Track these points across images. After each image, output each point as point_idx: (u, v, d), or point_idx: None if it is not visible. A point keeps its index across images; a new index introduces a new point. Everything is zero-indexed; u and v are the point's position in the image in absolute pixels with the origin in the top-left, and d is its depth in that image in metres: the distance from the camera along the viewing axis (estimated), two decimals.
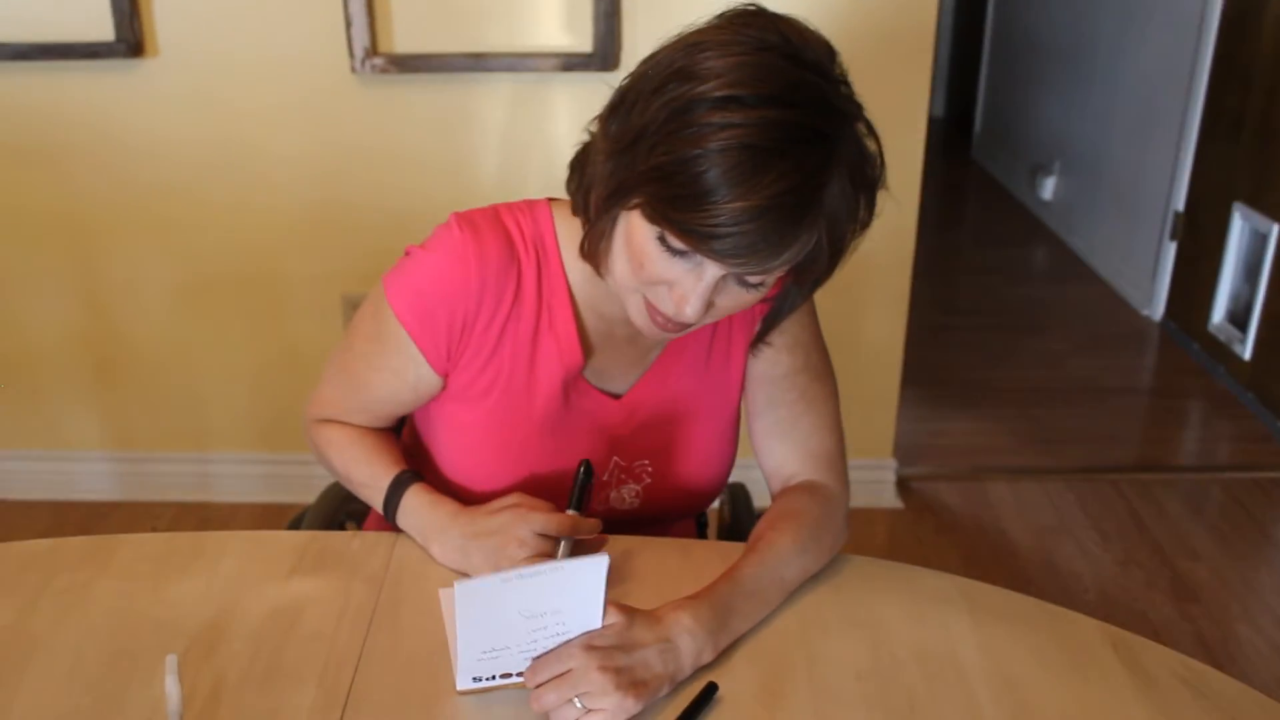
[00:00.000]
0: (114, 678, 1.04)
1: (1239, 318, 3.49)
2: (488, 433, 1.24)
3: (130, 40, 2.33)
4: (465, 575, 1.15)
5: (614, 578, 1.17)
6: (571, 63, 2.38)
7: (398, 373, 1.23)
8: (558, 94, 2.40)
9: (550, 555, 1.12)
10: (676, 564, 1.21)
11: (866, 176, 1.05)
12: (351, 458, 1.27)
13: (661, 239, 1.02)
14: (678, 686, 1.03)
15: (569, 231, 1.20)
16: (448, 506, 1.17)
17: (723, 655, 1.07)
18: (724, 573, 1.12)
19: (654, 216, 1.01)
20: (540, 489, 1.22)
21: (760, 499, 1.42)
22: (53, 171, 2.42)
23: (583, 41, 2.39)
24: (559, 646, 1.01)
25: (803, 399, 1.26)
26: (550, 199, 1.25)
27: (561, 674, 0.99)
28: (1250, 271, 3.43)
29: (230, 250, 2.51)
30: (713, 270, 1.02)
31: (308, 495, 1.58)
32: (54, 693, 1.03)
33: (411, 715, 1.00)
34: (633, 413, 1.26)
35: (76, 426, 2.66)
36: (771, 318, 1.22)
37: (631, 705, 0.97)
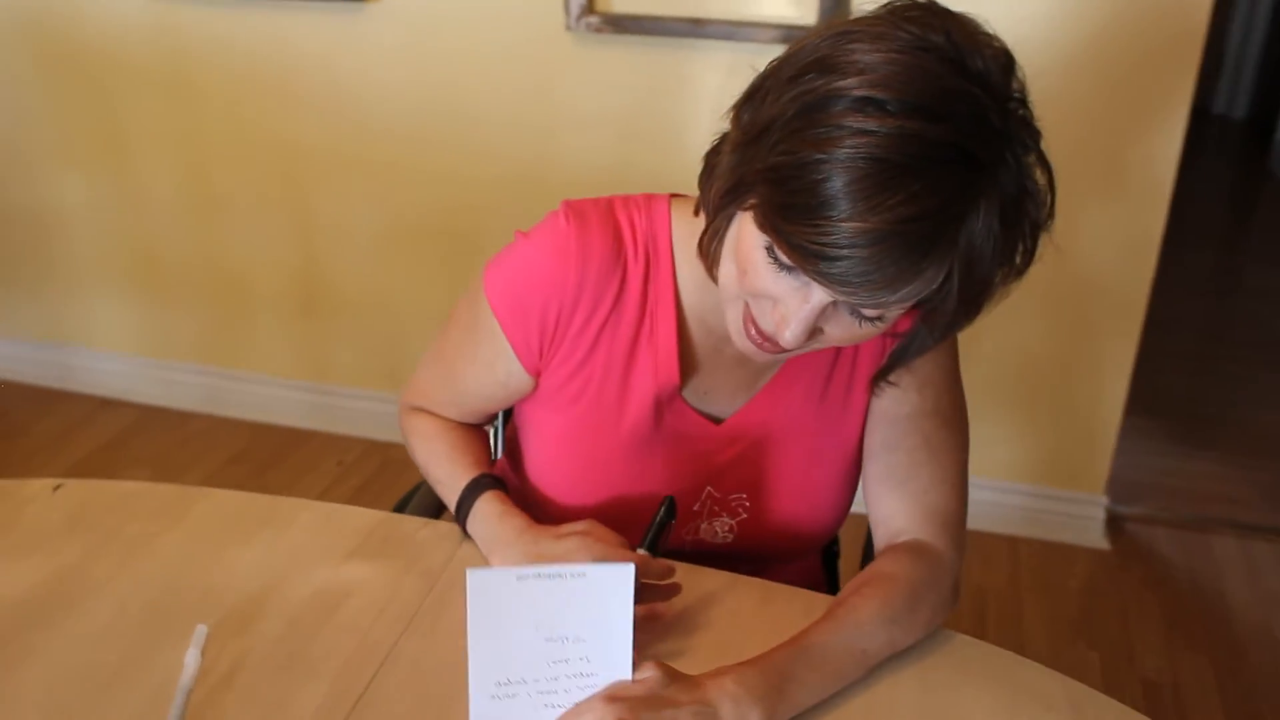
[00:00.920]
0: (145, 639, 1.02)
1: None
2: (572, 444, 1.15)
3: None
4: None
5: (675, 620, 1.06)
6: (794, 35, 2.24)
7: (489, 366, 1.15)
8: None
9: None
10: (751, 610, 1.08)
11: (1024, 215, 0.90)
12: (433, 452, 1.20)
13: (770, 250, 0.89)
14: None
15: (687, 233, 1.09)
16: (516, 521, 1.09)
17: None
18: (793, 637, 0.98)
19: (763, 223, 0.89)
20: (622, 512, 1.12)
21: None
22: (277, 106, 2.48)
23: (807, 13, 2.23)
24: (582, 702, 0.91)
25: (925, 446, 1.10)
26: (674, 195, 1.13)
27: None
28: None
29: (435, 199, 2.51)
30: (820, 294, 0.89)
31: None
32: (86, 644, 1.01)
33: None
34: (733, 440, 1.14)
35: (278, 353, 2.76)
36: (897, 356, 1.07)
37: None
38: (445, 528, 1.19)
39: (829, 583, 1.39)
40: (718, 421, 1.14)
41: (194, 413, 2.84)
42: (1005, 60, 0.89)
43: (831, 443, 1.14)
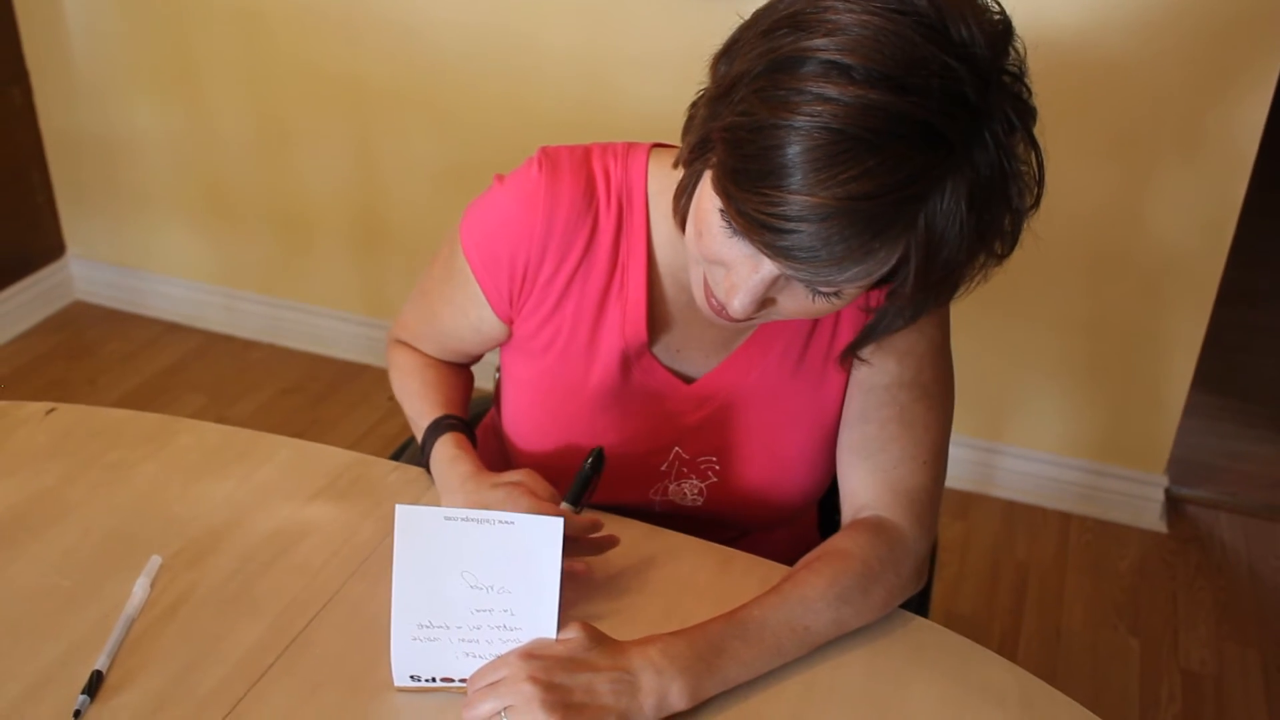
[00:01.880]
0: (102, 565, 1.03)
1: None
2: (539, 394, 1.13)
3: None
4: None
5: (626, 576, 1.04)
6: None
7: (462, 309, 1.14)
8: None
9: None
10: (706, 577, 1.06)
11: (1000, 199, 0.84)
12: (406, 388, 1.20)
13: (723, 214, 0.85)
14: None
15: (663, 185, 1.05)
16: (464, 467, 1.07)
17: (701, 707, 0.91)
18: (732, 610, 0.95)
19: (717, 186, 0.85)
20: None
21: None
22: (343, 42, 2.48)
23: None
24: (500, 656, 0.90)
25: (899, 419, 1.05)
26: (657, 144, 1.10)
27: (495, 681, 0.88)
28: None
29: (494, 137, 2.50)
30: (770, 265, 0.85)
31: None
32: (45, 567, 1.03)
33: (343, 680, 0.93)
34: (703, 401, 1.11)
35: (338, 286, 2.78)
36: (868, 331, 1.01)
37: None
38: (415, 472, 1.18)
39: None
40: (688, 381, 1.10)
41: (255, 341, 2.89)
42: (999, 30, 0.83)
43: (806, 411, 1.10)
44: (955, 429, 2.46)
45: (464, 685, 0.91)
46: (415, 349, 1.23)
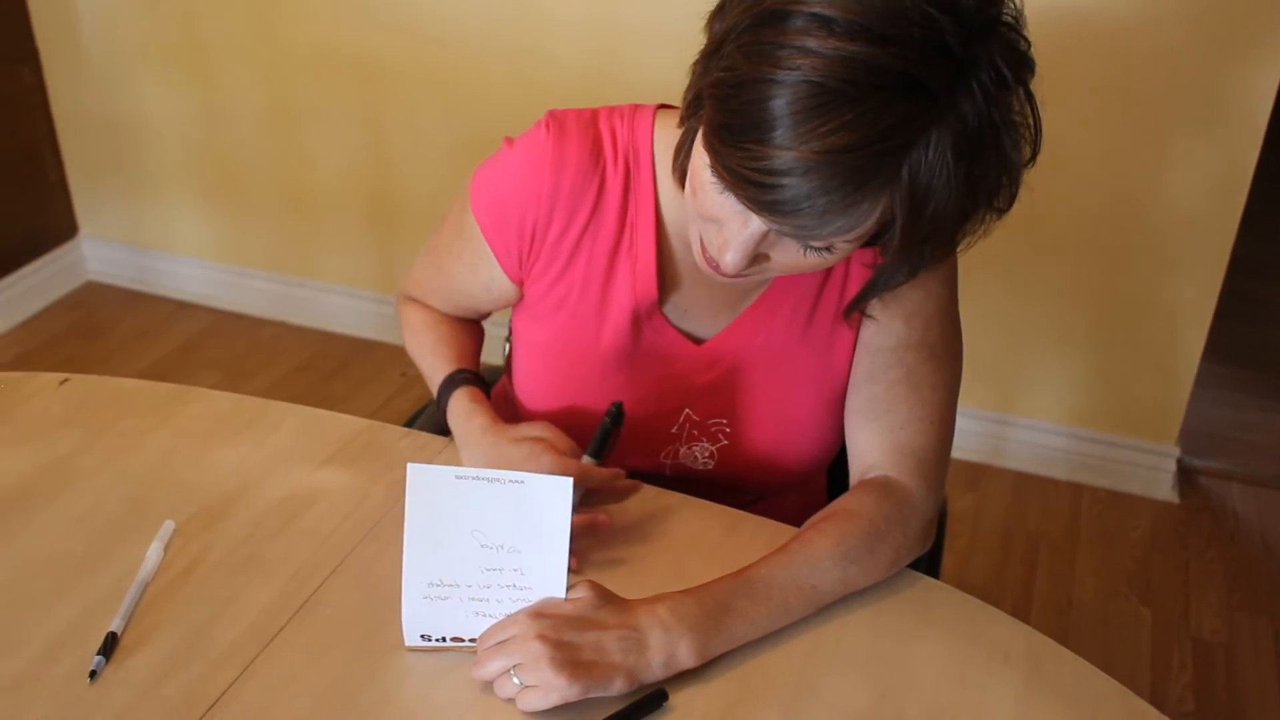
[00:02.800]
0: (115, 531, 1.04)
1: None
2: (551, 355, 1.13)
3: None
4: None
5: (632, 539, 1.04)
6: None
7: (473, 268, 1.15)
8: None
9: None
10: (715, 538, 1.06)
11: (990, 149, 0.83)
12: (420, 344, 1.21)
13: (713, 169, 0.86)
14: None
15: (669, 144, 1.05)
16: (481, 419, 1.08)
17: (710, 665, 0.92)
18: (740, 569, 0.96)
19: (705, 142, 0.85)
20: (596, 427, 1.10)
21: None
22: (351, 19, 2.48)
23: None
24: (510, 615, 0.91)
25: (906, 380, 1.06)
26: (663, 105, 1.10)
27: (504, 640, 0.89)
28: None
29: (502, 112, 2.49)
30: (758, 221, 0.85)
31: None
32: (60, 532, 1.04)
33: (354, 640, 0.94)
34: (714, 362, 1.11)
35: (348, 264, 2.79)
36: (868, 288, 1.02)
37: (565, 686, 0.85)
38: (426, 438, 1.19)
39: None
40: (698, 342, 1.11)
41: (266, 319, 2.90)
42: None
43: (816, 372, 1.11)
44: (966, 401, 2.46)
45: (474, 645, 0.92)
46: (426, 305, 1.24)
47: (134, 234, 2.94)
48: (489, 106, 2.49)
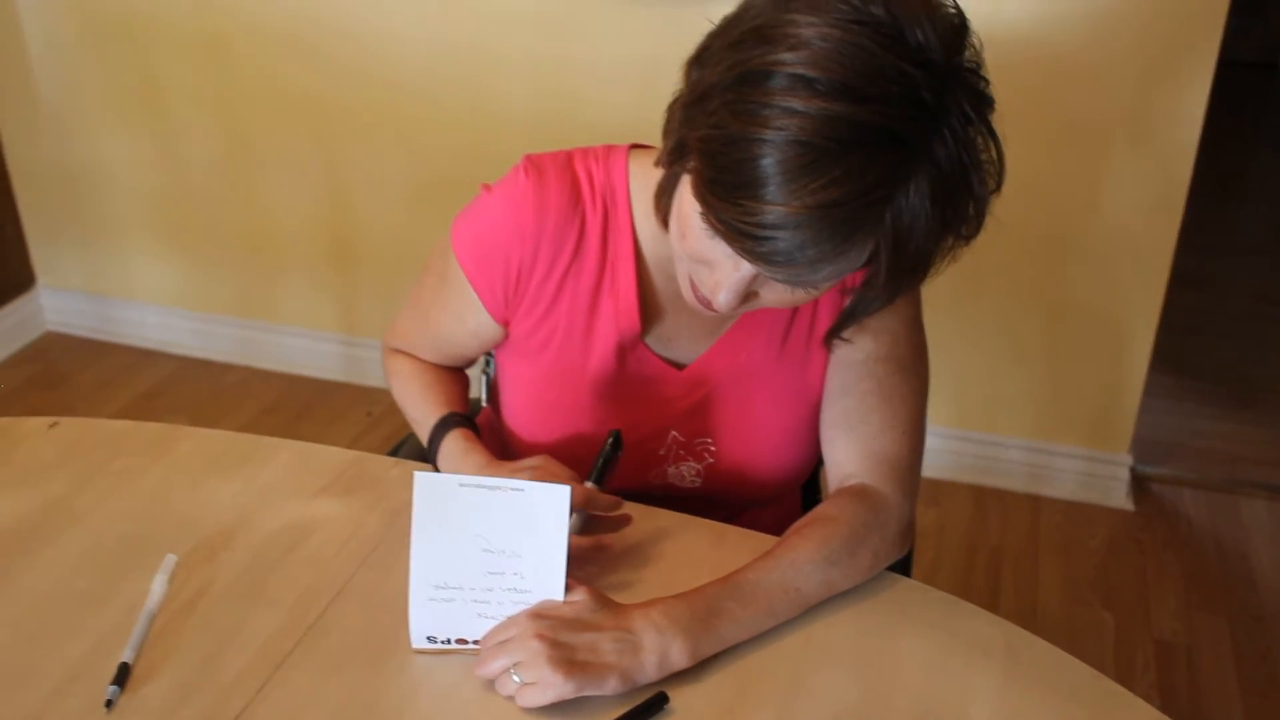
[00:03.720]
0: (118, 566, 1.07)
1: None
2: (540, 390, 1.18)
3: None
4: None
5: (625, 555, 1.09)
6: None
7: (459, 315, 1.18)
8: None
9: None
10: (702, 550, 1.11)
11: (962, 188, 0.89)
12: (408, 392, 1.24)
13: (704, 216, 0.90)
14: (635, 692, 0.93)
15: (644, 184, 1.10)
16: (478, 457, 1.12)
17: (698, 668, 0.96)
18: (727, 574, 1.00)
19: (695, 192, 0.90)
20: (588, 453, 1.14)
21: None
22: (307, 64, 2.52)
23: None
24: (510, 617, 0.95)
25: (878, 391, 1.11)
26: (634, 145, 1.15)
27: (505, 640, 0.93)
28: None
29: (460, 152, 2.54)
30: (749, 266, 0.91)
31: None
32: (62, 571, 1.07)
33: (362, 659, 0.97)
34: (695, 386, 1.16)
35: (311, 306, 2.81)
36: (847, 315, 1.07)
37: (561, 683, 0.89)
38: (414, 466, 1.22)
39: None
40: (680, 367, 1.15)
41: (230, 364, 2.91)
42: (954, 27, 0.88)
43: (794, 390, 1.16)
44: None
45: (478, 648, 0.96)
46: (411, 356, 1.27)
47: (93, 283, 2.94)
48: (446, 148, 2.53)
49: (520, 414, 1.20)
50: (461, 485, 0.95)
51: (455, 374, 1.28)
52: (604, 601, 0.96)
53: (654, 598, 0.98)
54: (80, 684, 0.94)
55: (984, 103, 0.89)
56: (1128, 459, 2.51)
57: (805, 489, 1.40)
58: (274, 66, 2.55)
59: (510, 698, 0.92)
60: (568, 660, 0.90)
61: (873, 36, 0.83)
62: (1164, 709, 2.00)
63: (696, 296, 0.99)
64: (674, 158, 0.96)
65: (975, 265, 2.30)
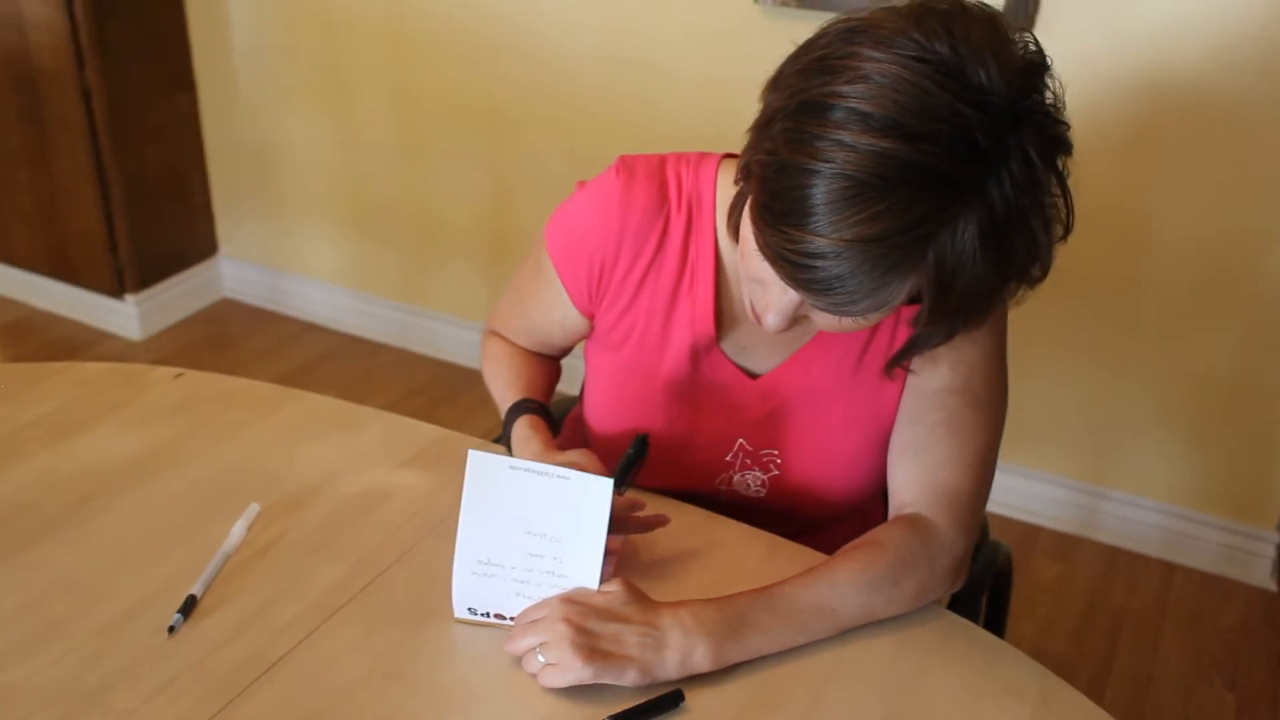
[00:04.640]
0: (208, 509, 1.15)
1: None
2: (616, 383, 1.21)
3: None
4: None
5: (678, 554, 1.11)
6: None
7: (549, 304, 1.23)
8: None
9: None
10: (754, 561, 1.12)
11: (1018, 231, 0.88)
12: (495, 374, 1.30)
13: (755, 238, 0.92)
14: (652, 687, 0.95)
15: (729, 194, 1.12)
16: (536, 445, 1.16)
17: (721, 672, 0.97)
18: (766, 586, 1.01)
19: (749, 214, 0.93)
20: (658, 452, 1.17)
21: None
22: (482, 61, 2.62)
23: None
24: (544, 600, 0.98)
25: (946, 424, 1.10)
26: (726, 155, 1.17)
27: (536, 620, 0.96)
28: None
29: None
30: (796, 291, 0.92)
31: None
32: (159, 506, 1.16)
33: (406, 621, 1.02)
34: (767, 397, 1.17)
35: (466, 295, 2.92)
36: (907, 347, 1.06)
37: (580, 668, 0.92)
38: (497, 449, 1.27)
39: None
40: (754, 377, 1.17)
41: (385, 344, 3.05)
42: (1027, 66, 0.87)
43: (865, 411, 1.16)
44: (1058, 471, 2.45)
45: (513, 624, 1.00)
46: (507, 340, 1.32)
47: (269, 256, 3.12)
48: (609, 158, 2.57)
49: (597, 407, 1.24)
50: (511, 468, 0.99)
51: (544, 362, 1.33)
52: (637, 595, 0.98)
53: (688, 599, 0.99)
54: (151, 608, 1.01)
55: (1054, 146, 0.88)
56: (1275, 535, 2.38)
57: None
58: (453, 67, 2.66)
59: (534, 675, 0.95)
60: (590, 647, 0.93)
61: (932, 75, 0.83)
62: None
63: (753, 313, 1.00)
64: (742, 177, 0.99)
65: (1124, 318, 2.24)
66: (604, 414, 1.23)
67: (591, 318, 1.21)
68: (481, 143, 2.72)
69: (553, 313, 1.23)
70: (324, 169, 2.94)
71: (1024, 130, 0.86)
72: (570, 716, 0.93)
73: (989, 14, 0.88)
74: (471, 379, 2.92)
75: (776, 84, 0.95)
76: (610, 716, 0.92)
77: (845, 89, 0.84)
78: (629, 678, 0.93)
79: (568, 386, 1.35)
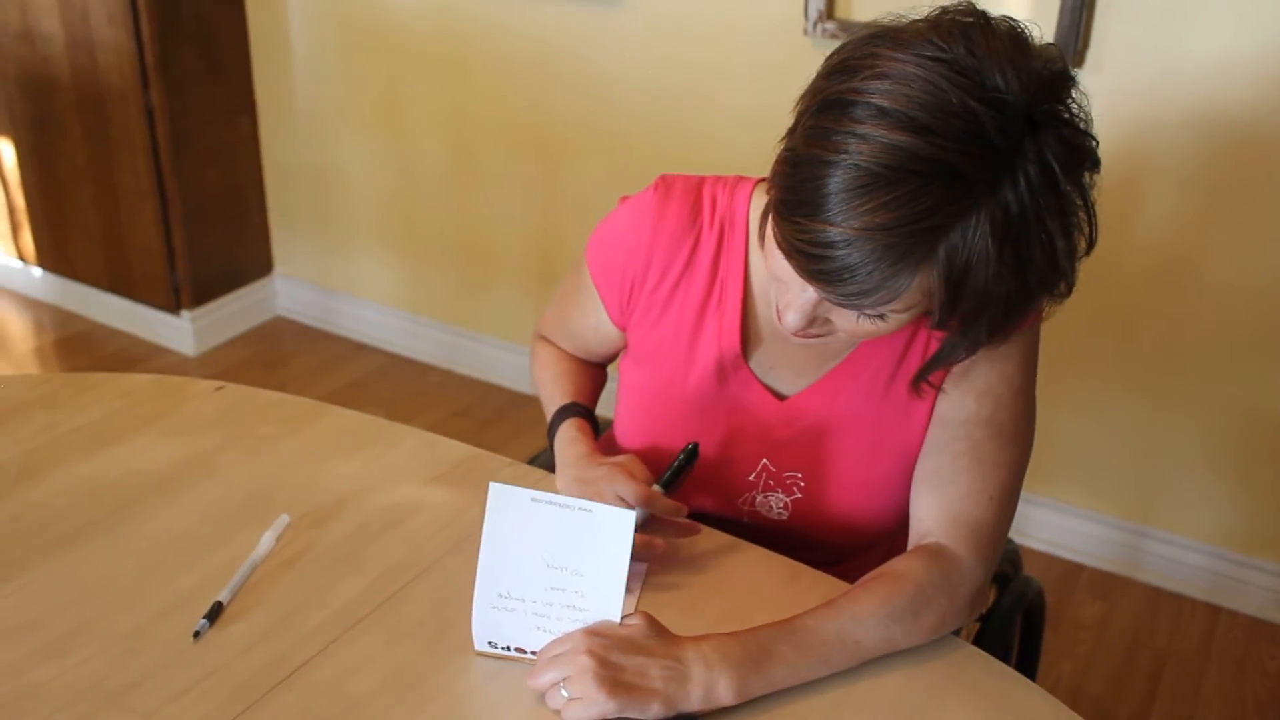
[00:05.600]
0: (238, 518, 1.18)
1: None
2: (645, 396, 1.23)
3: None
4: None
5: (698, 578, 1.11)
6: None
7: (585, 311, 1.27)
8: None
9: None
10: (773, 587, 1.12)
11: (1035, 235, 0.88)
12: (544, 378, 1.34)
13: (773, 233, 0.95)
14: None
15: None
16: (579, 448, 1.18)
17: (745, 705, 0.97)
18: (787, 617, 1.01)
19: (770, 212, 0.94)
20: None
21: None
22: (534, 89, 2.66)
23: (1046, 19, 2.17)
24: (567, 633, 0.99)
25: (970, 454, 1.10)
26: (763, 178, 1.19)
27: (558, 654, 0.97)
28: None
29: None
30: (814, 289, 0.93)
31: None
32: (192, 514, 1.18)
33: (425, 635, 1.03)
34: (793, 418, 1.18)
35: (513, 319, 2.95)
36: (932, 362, 1.06)
37: (604, 701, 0.92)
38: (526, 469, 1.29)
39: None
40: (781, 397, 1.18)
41: (433, 365, 3.09)
42: (1050, 75, 0.88)
43: (892, 438, 1.16)
44: (1102, 508, 2.42)
45: (534, 658, 1.00)
46: (554, 344, 1.36)
47: (322, 276, 3.18)
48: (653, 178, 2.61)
49: (625, 419, 1.26)
50: (533, 500, 1.00)
51: (591, 368, 1.36)
52: (659, 629, 0.99)
53: (711, 628, 1.00)
54: (179, 613, 1.04)
55: (1076, 157, 0.89)
56: None
57: None
58: (505, 94, 2.70)
59: (557, 711, 0.95)
60: (614, 680, 0.93)
61: (946, 73, 0.85)
62: None
63: (778, 315, 1.02)
64: (769, 183, 1.00)
65: (1172, 355, 2.21)
66: (631, 428, 1.25)
67: (624, 330, 1.23)
68: (531, 170, 2.75)
69: (588, 319, 1.27)
70: (378, 192, 2.99)
71: (1042, 135, 0.87)
72: None
73: (1011, 26, 0.90)
74: (517, 402, 2.95)
75: (807, 91, 0.96)
76: None
77: (862, 85, 0.87)
78: (653, 711, 0.93)
79: (603, 410, 1.38)
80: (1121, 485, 2.41)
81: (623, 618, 1.00)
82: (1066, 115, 0.89)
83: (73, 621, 1.03)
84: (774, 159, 1.02)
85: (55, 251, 3.17)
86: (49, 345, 3.14)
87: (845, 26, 2.31)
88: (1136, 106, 2.08)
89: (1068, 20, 2.13)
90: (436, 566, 1.12)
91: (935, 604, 1.03)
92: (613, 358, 1.36)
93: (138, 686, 0.96)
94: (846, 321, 0.96)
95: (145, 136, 2.83)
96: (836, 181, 0.86)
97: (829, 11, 2.33)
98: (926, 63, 0.86)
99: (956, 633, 1.08)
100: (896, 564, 1.06)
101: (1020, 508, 1.20)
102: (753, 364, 1.18)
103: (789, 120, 0.95)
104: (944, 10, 0.92)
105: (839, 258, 0.87)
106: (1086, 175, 0.91)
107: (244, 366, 3.04)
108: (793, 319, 0.97)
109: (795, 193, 0.89)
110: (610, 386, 1.37)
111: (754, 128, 2.45)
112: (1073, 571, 2.47)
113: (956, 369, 1.10)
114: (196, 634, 1.01)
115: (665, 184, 1.19)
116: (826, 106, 0.89)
